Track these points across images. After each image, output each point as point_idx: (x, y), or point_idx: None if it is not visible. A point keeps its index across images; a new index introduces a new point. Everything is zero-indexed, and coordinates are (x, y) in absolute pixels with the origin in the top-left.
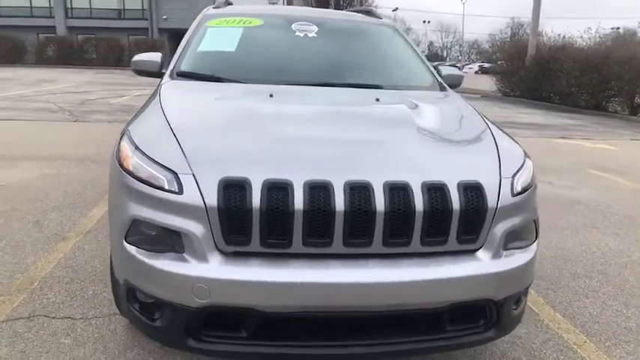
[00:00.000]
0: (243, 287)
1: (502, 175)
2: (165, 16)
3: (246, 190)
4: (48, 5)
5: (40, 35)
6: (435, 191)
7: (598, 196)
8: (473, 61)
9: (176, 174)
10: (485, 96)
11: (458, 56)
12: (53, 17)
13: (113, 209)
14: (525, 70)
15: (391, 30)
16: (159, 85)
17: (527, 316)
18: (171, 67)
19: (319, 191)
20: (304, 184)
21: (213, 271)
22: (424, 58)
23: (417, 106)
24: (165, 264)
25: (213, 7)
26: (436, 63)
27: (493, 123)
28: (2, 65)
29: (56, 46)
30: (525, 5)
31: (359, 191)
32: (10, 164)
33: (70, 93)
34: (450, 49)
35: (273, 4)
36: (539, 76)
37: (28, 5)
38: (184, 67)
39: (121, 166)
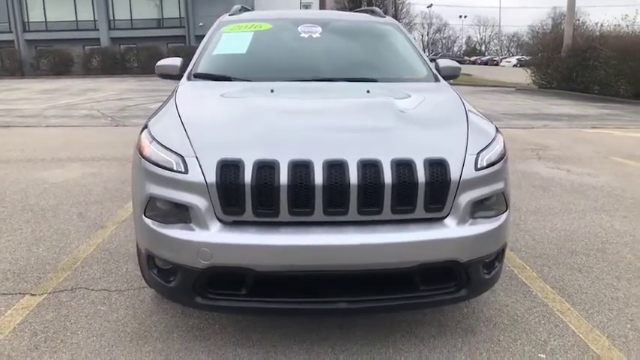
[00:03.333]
0: (239, 249)
1: (467, 152)
2: (201, 23)
3: (239, 169)
4: (92, 18)
5: (86, 47)
6: (403, 167)
7: (615, 181)
8: (512, 55)
9: (183, 157)
10: (520, 89)
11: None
12: (97, 29)
13: (135, 190)
14: (561, 60)
15: (392, 27)
16: (177, 86)
17: (517, 288)
18: (189, 69)
19: (301, 169)
20: (289, 163)
21: (214, 236)
22: (422, 52)
23: (405, 95)
24: (176, 232)
25: (229, 15)
26: (473, 58)
27: (472, 108)
28: (51, 77)
29: (100, 57)
30: None
31: (336, 168)
32: (58, 165)
33: (112, 100)
34: (489, 43)
35: (306, 7)
36: (576, 67)
37: (74, 19)
38: (200, 69)
39: (141, 154)
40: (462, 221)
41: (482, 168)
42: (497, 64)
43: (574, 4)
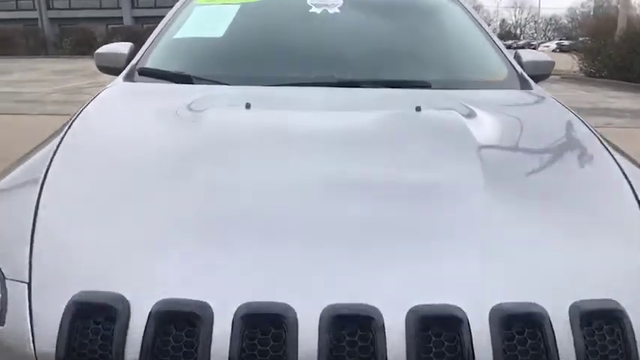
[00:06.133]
0: None
1: None
2: None
3: (116, 320)
4: None
5: (109, 26)
6: (522, 329)
7: None
8: (550, 39)
9: (2, 278)
10: (565, 77)
11: (533, 34)
12: (120, 8)
13: None
14: (614, 46)
15: (449, 2)
16: (98, 94)
17: None
18: (133, 61)
19: (264, 327)
20: (236, 314)
21: None
22: (496, 39)
23: (482, 119)
24: None
25: None
26: (509, 42)
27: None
28: (74, 56)
29: (124, 36)
30: None
31: (351, 329)
32: None
33: None
34: (524, 26)
35: None
36: (631, 54)
37: None
38: (149, 62)
39: None
40: None
41: None
42: (534, 49)
43: None
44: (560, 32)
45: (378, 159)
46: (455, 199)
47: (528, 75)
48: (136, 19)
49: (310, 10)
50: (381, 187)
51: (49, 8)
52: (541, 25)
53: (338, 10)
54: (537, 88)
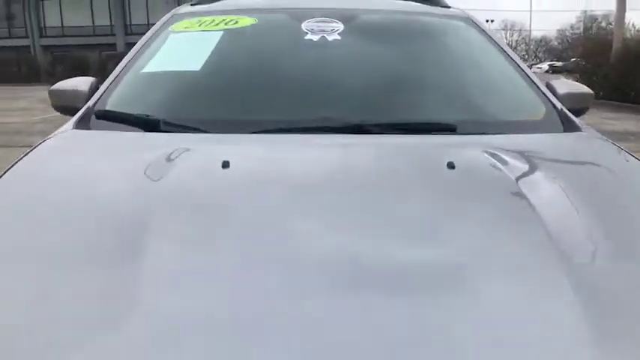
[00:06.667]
0: None
1: None
2: None
3: None
4: (109, 23)
5: (102, 53)
6: None
7: None
8: (541, 60)
9: None
10: None
11: (524, 55)
12: (114, 34)
13: None
14: (610, 67)
15: (464, 24)
16: (39, 144)
17: None
18: (90, 102)
19: None
20: None
21: None
22: (524, 66)
23: (536, 180)
24: None
25: (192, 4)
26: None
27: None
28: None
29: (116, 63)
30: None
31: None
32: None
33: None
34: (516, 48)
35: None
36: (628, 75)
37: (91, 24)
38: (112, 102)
39: None
40: None
41: None
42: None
43: (624, 3)
44: (550, 53)
45: (402, 247)
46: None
47: (569, 109)
48: (130, 45)
49: (306, 38)
50: (412, 294)
51: (41, 36)
52: (532, 47)
53: (338, 37)
54: (588, 129)
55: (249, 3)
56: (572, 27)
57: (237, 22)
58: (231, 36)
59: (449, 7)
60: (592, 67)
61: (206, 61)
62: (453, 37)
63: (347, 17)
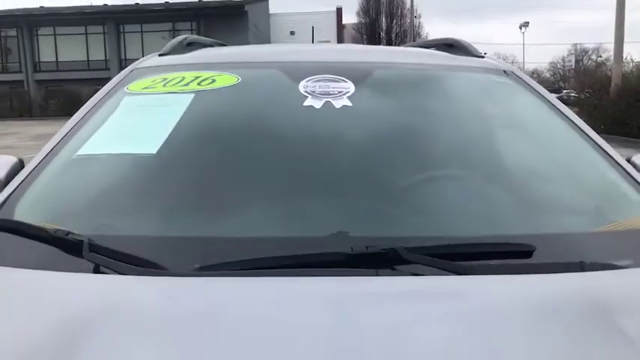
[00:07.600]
0: None
1: None
2: None
3: None
4: (104, 58)
5: (97, 87)
6: None
7: None
8: None
9: None
10: None
11: None
12: (109, 69)
13: None
14: (611, 102)
15: (507, 80)
16: None
17: None
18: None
19: None
20: None
21: None
22: (597, 137)
23: None
24: None
25: (159, 54)
26: None
27: None
28: (59, 118)
29: None
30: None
31: None
32: None
33: None
34: None
35: (324, 42)
36: (628, 110)
37: (85, 59)
38: (24, 207)
39: None
40: None
41: None
42: None
43: (622, 39)
44: (543, 85)
45: None
46: None
47: None
48: None
49: (305, 104)
50: None
51: (35, 70)
52: None
53: (349, 103)
54: None
55: (232, 53)
56: (563, 59)
57: (213, 82)
58: (204, 102)
59: (483, 57)
60: (592, 102)
61: (166, 141)
62: (497, 102)
63: (359, 75)
